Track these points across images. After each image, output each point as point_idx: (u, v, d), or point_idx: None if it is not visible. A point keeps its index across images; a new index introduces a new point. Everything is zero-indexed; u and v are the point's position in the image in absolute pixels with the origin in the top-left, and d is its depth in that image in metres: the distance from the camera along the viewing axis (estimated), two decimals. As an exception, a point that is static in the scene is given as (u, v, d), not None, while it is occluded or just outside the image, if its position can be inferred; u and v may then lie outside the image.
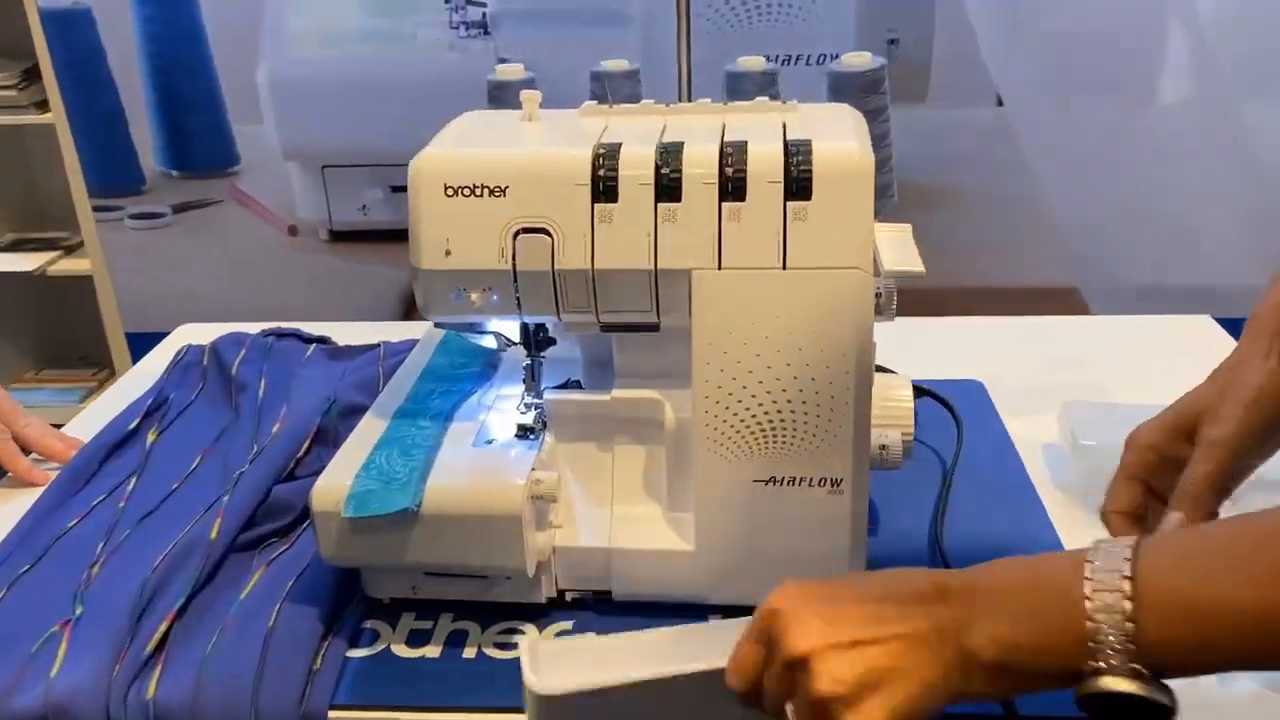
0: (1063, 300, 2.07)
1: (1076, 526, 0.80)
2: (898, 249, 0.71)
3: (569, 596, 0.74)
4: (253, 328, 1.13)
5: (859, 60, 0.76)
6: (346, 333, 1.15)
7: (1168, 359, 1.07)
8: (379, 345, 1.09)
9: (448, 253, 0.68)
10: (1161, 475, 0.65)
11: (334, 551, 0.69)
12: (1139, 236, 2.05)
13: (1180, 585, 0.45)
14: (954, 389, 0.97)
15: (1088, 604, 0.45)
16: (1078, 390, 1.00)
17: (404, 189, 1.91)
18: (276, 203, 2.24)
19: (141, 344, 1.19)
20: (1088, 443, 0.84)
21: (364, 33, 2.13)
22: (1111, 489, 0.66)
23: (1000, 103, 2.02)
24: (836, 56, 1.34)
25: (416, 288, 0.70)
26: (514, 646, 0.70)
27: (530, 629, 0.72)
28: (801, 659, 0.50)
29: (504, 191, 0.67)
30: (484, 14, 2.03)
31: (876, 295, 0.70)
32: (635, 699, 0.57)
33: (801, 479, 0.68)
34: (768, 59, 0.80)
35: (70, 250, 2.42)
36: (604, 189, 0.66)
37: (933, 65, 1.96)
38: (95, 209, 2.23)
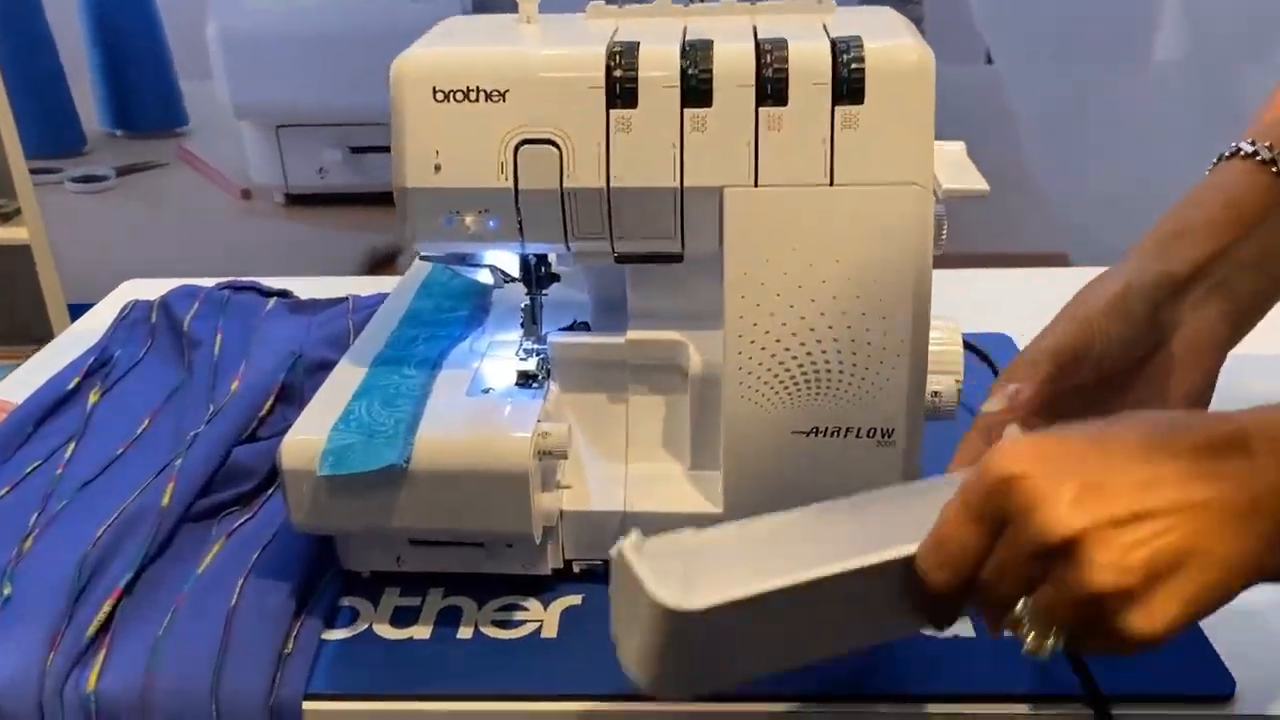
0: (1052, 266, 2.01)
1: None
2: (955, 167, 0.62)
3: (577, 568, 0.64)
4: (207, 283, 1.02)
5: (892, -34, 0.69)
6: (309, 288, 1.05)
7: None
8: (347, 299, 0.99)
9: (437, 168, 0.58)
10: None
11: (307, 517, 0.59)
12: (1129, 201, 1.99)
13: None
14: (985, 343, 0.89)
15: None
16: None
17: (365, 150, 1.79)
18: (228, 165, 2.11)
19: (84, 314, 1.08)
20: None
21: (320, -17, 2.01)
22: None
23: (990, 60, 1.95)
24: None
25: (400, 213, 0.60)
26: (515, 625, 0.61)
27: (534, 603, 0.63)
28: (1065, 544, 0.39)
29: (503, 96, 0.57)
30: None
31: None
32: (788, 604, 0.43)
33: (848, 429, 0.59)
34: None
35: (7, 218, 2.28)
36: (621, 92, 0.57)
37: (925, 21, 1.88)
38: (33, 172, 2.09)
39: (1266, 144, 0.58)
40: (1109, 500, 0.39)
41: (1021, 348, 0.79)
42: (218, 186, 2.13)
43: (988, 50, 1.95)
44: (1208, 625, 0.60)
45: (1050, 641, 0.41)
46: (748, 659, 0.46)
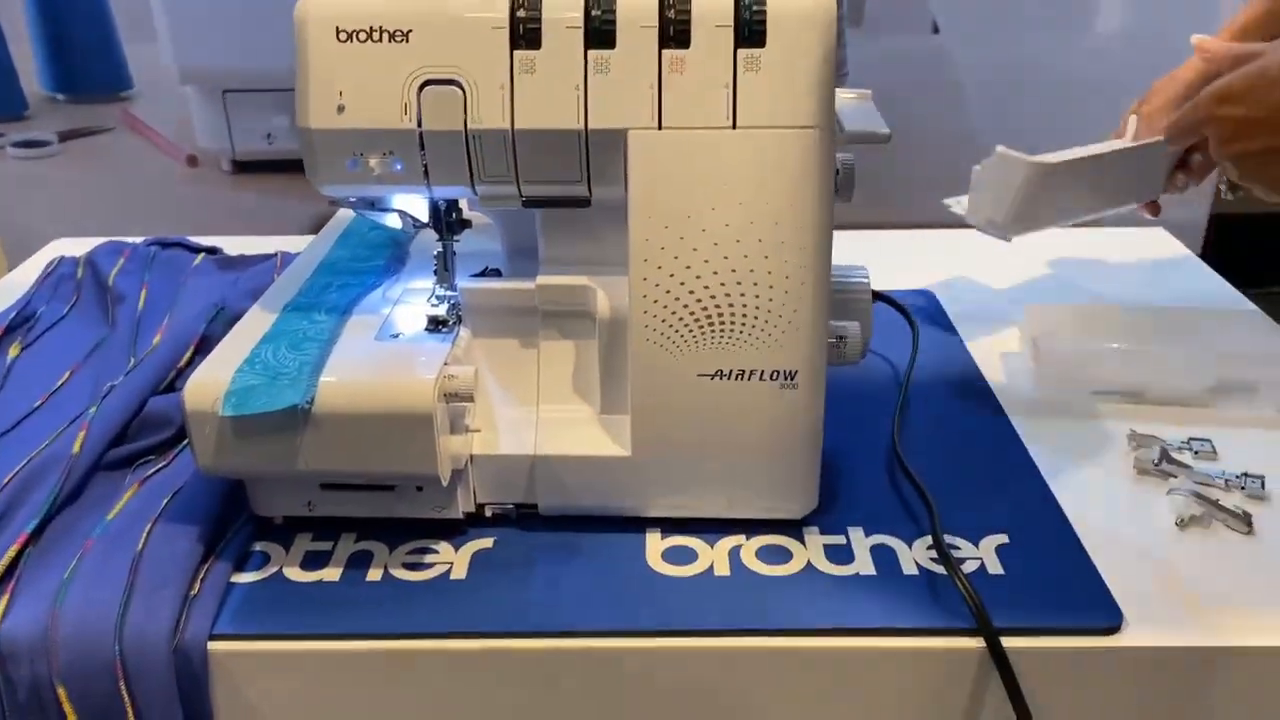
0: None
1: (1041, 434, 0.74)
2: (860, 113, 0.63)
3: (489, 511, 0.65)
4: (135, 241, 1.01)
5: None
6: (239, 246, 1.04)
7: (1125, 267, 1.02)
8: (275, 255, 0.98)
9: (341, 109, 0.58)
10: None
11: (212, 460, 0.59)
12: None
13: None
14: (904, 298, 0.90)
15: None
16: (1034, 297, 0.95)
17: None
18: (174, 130, 2.09)
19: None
20: (1052, 344, 0.78)
21: (267, -58, 1.98)
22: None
23: (936, 30, 1.96)
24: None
25: (305, 155, 0.60)
26: (425, 567, 0.62)
27: (445, 546, 0.63)
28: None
29: (407, 36, 0.57)
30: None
31: (835, 171, 0.62)
32: (1091, 170, 0.81)
33: (752, 372, 0.60)
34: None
35: (-53, 185, 2.24)
36: (525, 33, 0.57)
37: (864, -13, 1.89)
38: (-28, 136, 2.05)
39: None
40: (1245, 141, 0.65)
41: (945, 306, 0.87)
42: (163, 152, 2.10)
43: (934, 20, 1.96)
44: (1098, 559, 0.61)
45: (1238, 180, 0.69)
46: (1064, 210, 0.82)
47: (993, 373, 0.82)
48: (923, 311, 0.91)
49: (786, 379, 0.60)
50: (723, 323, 0.59)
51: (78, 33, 2.02)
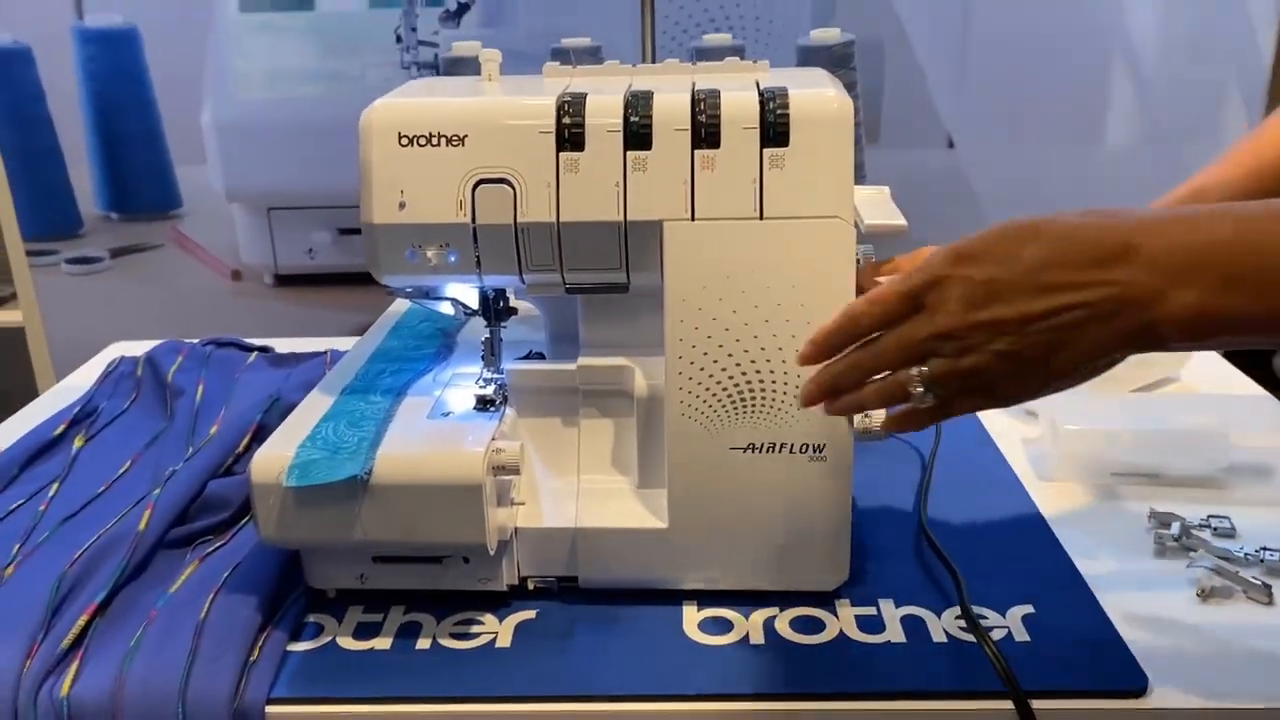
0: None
1: (1062, 511, 0.76)
2: (877, 207, 0.68)
3: (531, 584, 0.68)
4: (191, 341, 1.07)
5: (827, 35, 0.75)
6: (290, 345, 1.09)
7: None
8: (325, 353, 1.03)
9: (401, 205, 0.63)
10: None
11: (274, 531, 0.63)
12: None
13: None
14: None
15: None
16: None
17: (353, 231, 1.84)
18: (220, 246, 2.18)
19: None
20: (1071, 427, 0.81)
21: (311, 73, 2.10)
22: None
23: (951, 144, 2.04)
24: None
25: (368, 248, 0.65)
26: (472, 637, 0.64)
27: (490, 617, 0.66)
28: (952, 332, 0.51)
29: (462, 140, 0.63)
30: (435, 55, 2.01)
31: (856, 261, 0.66)
32: None
33: (782, 445, 0.64)
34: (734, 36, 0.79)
35: (1, 302, 2.33)
36: (569, 137, 0.62)
37: (883, 104, 1.97)
38: (30, 253, 2.15)
39: None
40: (997, 306, 0.50)
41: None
42: (209, 267, 2.19)
43: (949, 135, 2.04)
44: (1123, 627, 0.63)
45: (930, 397, 0.53)
46: None
47: (1012, 454, 0.85)
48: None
49: (815, 451, 0.64)
50: (753, 398, 0.63)
51: (133, 155, 2.13)
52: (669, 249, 0.62)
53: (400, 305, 0.88)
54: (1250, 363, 1.01)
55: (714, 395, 0.63)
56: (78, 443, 0.90)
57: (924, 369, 0.52)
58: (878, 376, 0.55)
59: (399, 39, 2.01)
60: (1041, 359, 0.50)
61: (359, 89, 2.06)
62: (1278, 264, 0.46)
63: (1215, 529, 0.74)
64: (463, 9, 1.96)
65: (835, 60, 0.76)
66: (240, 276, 2.18)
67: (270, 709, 0.60)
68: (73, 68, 2.06)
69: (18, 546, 0.74)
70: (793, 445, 0.63)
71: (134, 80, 2.09)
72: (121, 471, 0.85)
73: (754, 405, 0.63)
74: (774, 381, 0.63)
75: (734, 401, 0.63)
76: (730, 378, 0.63)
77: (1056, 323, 0.49)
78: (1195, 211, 0.49)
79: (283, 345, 1.10)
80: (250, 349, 1.05)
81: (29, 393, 2.23)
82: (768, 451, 0.64)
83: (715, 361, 0.63)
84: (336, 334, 1.14)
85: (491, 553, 0.63)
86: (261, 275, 2.18)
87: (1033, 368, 0.51)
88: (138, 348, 1.10)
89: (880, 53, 1.94)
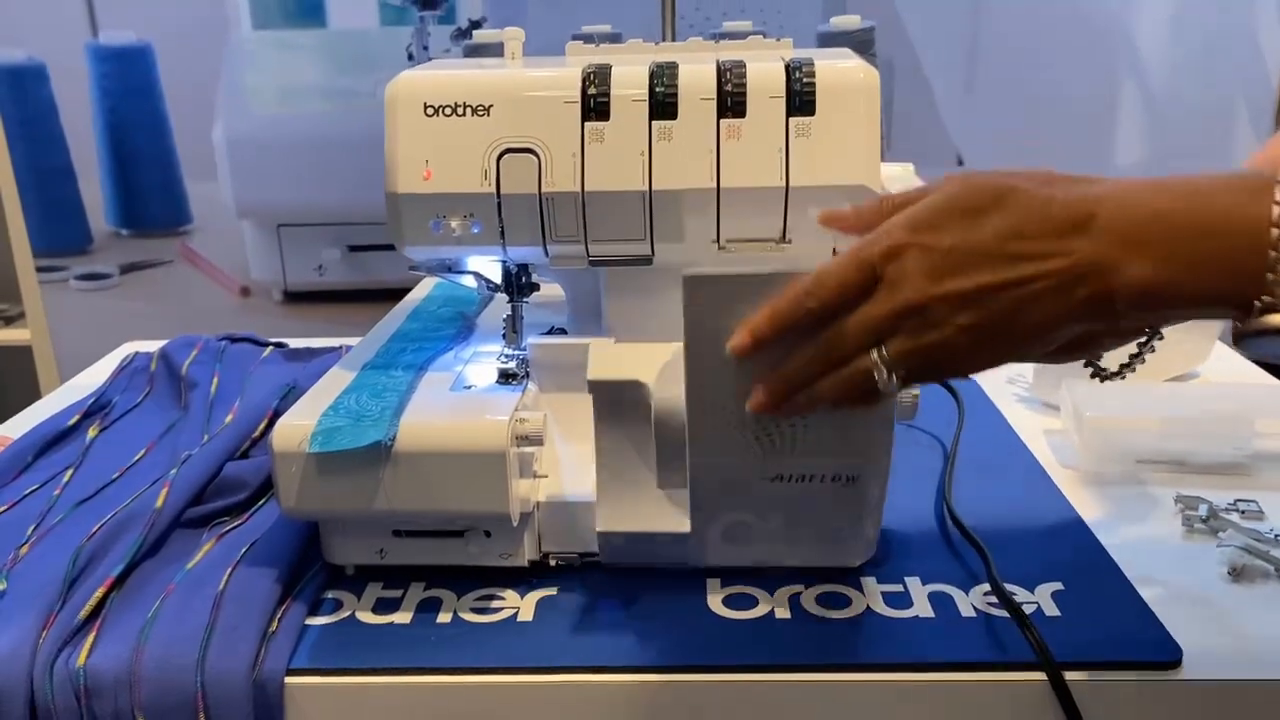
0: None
1: (1088, 496, 0.76)
2: (901, 182, 0.67)
3: (553, 561, 0.67)
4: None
5: (848, 21, 0.75)
6: (303, 342, 1.09)
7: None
8: (340, 347, 1.03)
9: (426, 175, 0.63)
10: None
11: (295, 501, 0.62)
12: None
13: None
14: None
15: (1275, 232, 0.42)
16: (1070, 372, 0.97)
17: (362, 249, 1.87)
18: (229, 263, 2.19)
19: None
20: (1095, 414, 0.80)
21: (322, 90, 2.12)
22: None
23: (961, 163, 2.05)
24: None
25: (391, 219, 0.65)
26: (493, 611, 0.64)
27: (511, 593, 0.65)
28: (915, 306, 0.48)
29: (488, 110, 0.63)
30: (447, 66, 2.02)
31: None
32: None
33: (812, 476, 0.60)
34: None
35: (10, 320, 2.33)
36: (594, 106, 0.62)
37: (893, 121, 1.98)
38: (39, 269, 2.15)
39: None
40: (967, 275, 0.47)
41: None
42: (218, 284, 2.20)
43: (958, 154, 2.05)
44: (1154, 603, 0.62)
45: (895, 381, 0.50)
46: None
47: (1035, 445, 0.85)
48: (964, 386, 0.94)
49: (848, 481, 0.62)
50: (780, 436, 0.59)
51: (144, 172, 2.15)
52: (692, 218, 0.62)
53: (419, 291, 0.88)
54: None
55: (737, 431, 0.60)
56: (91, 432, 0.90)
57: (884, 352, 0.49)
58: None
59: (410, 56, 2.03)
60: (1005, 331, 0.48)
61: (370, 106, 2.07)
62: (1214, 239, 0.45)
63: (1243, 511, 0.73)
64: (474, 26, 1.98)
65: (857, 46, 0.77)
66: (249, 293, 2.19)
67: (289, 679, 0.59)
68: (86, 84, 2.08)
69: (33, 528, 0.74)
70: (823, 476, 0.61)
71: (147, 97, 2.11)
72: (136, 458, 0.84)
73: (779, 441, 0.59)
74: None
75: (759, 440, 0.60)
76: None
77: (1020, 294, 0.47)
78: (1159, 181, 0.47)
79: (295, 340, 1.09)
80: (265, 344, 1.05)
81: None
82: (797, 481, 0.61)
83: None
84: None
85: (515, 524, 0.62)
86: (270, 292, 2.19)
87: (996, 340, 0.48)
88: (151, 345, 1.10)
89: (890, 70, 1.95)
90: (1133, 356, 0.59)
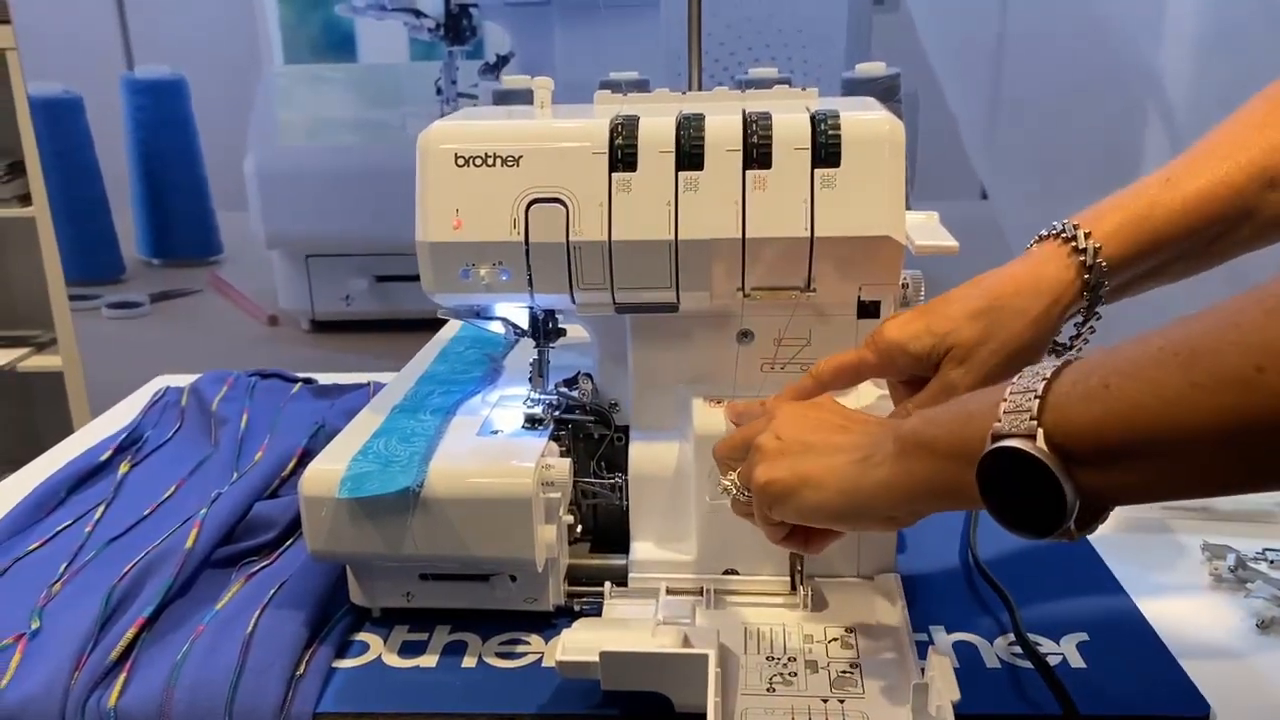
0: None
1: (1114, 545, 0.75)
2: (928, 230, 0.68)
3: (577, 606, 0.67)
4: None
5: (873, 69, 0.76)
6: (332, 378, 1.10)
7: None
8: (368, 383, 1.04)
9: (456, 225, 0.64)
10: (888, 372, 0.63)
11: (324, 544, 0.63)
12: (1121, 326, 2.05)
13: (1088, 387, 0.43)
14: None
15: (1002, 405, 0.45)
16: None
17: (389, 279, 1.89)
18: (258, 292, 2.21)
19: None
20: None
21: (352, 123, 2.14)
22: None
23: (985, 195, 2.05)
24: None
25: (422, 266, 0.66)
26: (518, 656, 0.64)
27: (536, 638, 0.65)
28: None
29: (517, 161, 0.64)
30: (476, 105, 2.05)
31: (903, 285, 0.67)
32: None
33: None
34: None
35: (42, 347, 2.37)
36: (622, 157, 0.63)
37: (917, 156, 1.98)
38: (72, 297, 2.19)
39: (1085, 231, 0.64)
40: (796, 465, 0.54)
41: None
42: (246, 313, 2.22)
43: (983, 186, 2.05)
44: (1181, 656, 0.62)
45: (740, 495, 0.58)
46: None
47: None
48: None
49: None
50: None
51: (176, 202, 2.18)
52: (718, 266, 0.63)
53: (446, 333, 0.89)
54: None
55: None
56: (123, 468, 0.91)
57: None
58: None
59: (439, 91, 2.05)
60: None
61: (399, 140, 2.09)
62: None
63: (1272, 561, 0.72)
64: (502, 61, 2.00)
65: (882, 93, 0.78)
66: (277, 322, 2.21)
67: (317, 723, 0.59)
68: (121, 117, 2.11)
69: (65, 565, 0.75)
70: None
71: (180, 129, 2.14)
72: (167, 495, 0.86)
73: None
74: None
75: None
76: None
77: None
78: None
79: (324, 377, 1.11)
80: (294, 380, 1.06)
81: (66, 436, 2.26)
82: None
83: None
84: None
85: (540, 569, 0.63)
86: (298, 321, 2.21)
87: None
88: (182, 380, 1.12)
89: (914, 104, 1.96)
90: (1073, 338, 0.64)
